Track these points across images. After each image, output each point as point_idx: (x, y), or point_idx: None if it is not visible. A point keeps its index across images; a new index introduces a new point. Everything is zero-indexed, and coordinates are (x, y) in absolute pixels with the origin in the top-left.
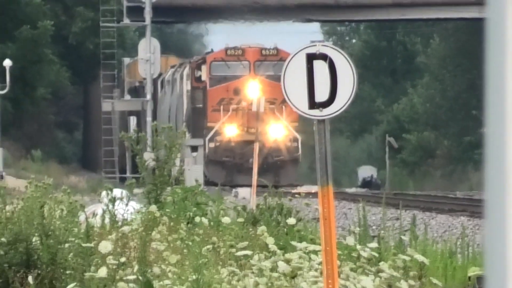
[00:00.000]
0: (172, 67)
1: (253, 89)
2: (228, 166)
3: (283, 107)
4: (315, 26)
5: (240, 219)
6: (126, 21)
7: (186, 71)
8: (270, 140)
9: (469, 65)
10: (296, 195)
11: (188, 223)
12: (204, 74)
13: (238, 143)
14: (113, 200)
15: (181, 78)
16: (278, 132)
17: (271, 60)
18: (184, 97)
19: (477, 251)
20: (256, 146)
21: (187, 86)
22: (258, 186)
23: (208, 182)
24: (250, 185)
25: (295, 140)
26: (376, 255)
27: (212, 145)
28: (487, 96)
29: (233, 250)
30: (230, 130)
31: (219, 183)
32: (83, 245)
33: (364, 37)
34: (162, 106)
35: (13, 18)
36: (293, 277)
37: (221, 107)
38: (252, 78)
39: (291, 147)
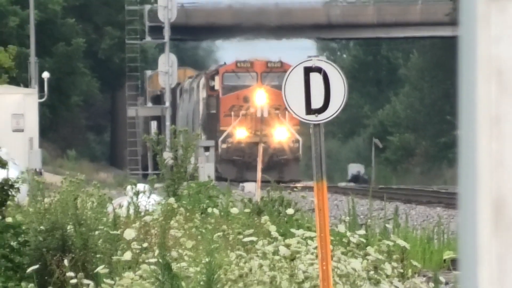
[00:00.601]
0: (190, 77)
1: (260, 97)
2: (238, 164)
3: (286, 112)
4: (311, 43)
5: (247, 210)
6: (148, 39)
7: (202, 81)
8: (275, 141)
9: (443, 77)
10: (295, 189)
11: (201, 213)
12: (217, 83)
13: (247, 144)
14: (136, 193)
15: (198, 87)
16: (282, 134)
17: (276, 72)
18: (200, 103)
19: (451, 237)
20: (260, 147)
21: (202, 94)
22: (262, 181)
23: (219, 178)
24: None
25: (296, 141)
26: (364, 240)
27: (224, 146)
28: (459, 103)
29: (240, 236)
30: (240, 133)
31: (230, 179)
32: (111, 232)
33: (353, 52)
34: (181, 112)
35: (50, 36)
36: (292, 260)
37: (232, 112)
38: (259, 87)
39: (293, 148)
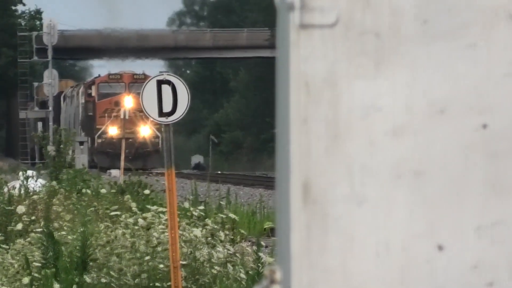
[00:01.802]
0: (71, 87)
1: (128, 102)
2: (110, 155)
3: None
4: (163, 61)
5: (113, 190)
6: (35, 58)
7: (81, 89)
8: (140, 137)
9: (264, 88)
10: (150, 174)
11: (77, 193)
12: (94, 91)
13: (117, 139)
14: (26, 178)
15: (77, 94)
16: (145, 131)
17: (141, 82)
18: (80, 107)
19: (270, 211)
20: (123, 142)
21: (81, 100)
22: (126, 169)
23: (94, 166)
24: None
25: (157, 137)
26: (203, 214)
27: (99, 140)
28: (277, 107)
29: (108, 211)
30: (112, 130)
31: (104, 166)
32: (6, 208)
33: (194, 69)
34: (64, 114)
35: None
36: (148, 229)
37: (106, 114)
38: (127, 94)
39: (154, 142)
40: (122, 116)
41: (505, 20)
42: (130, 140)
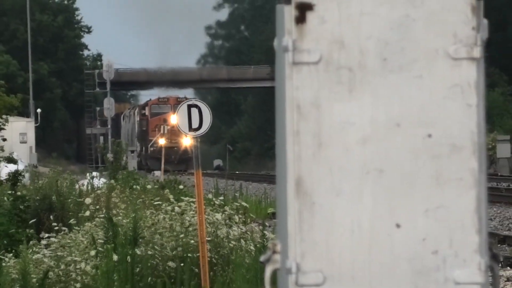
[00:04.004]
0: (128, 108)
1: (173, 119)
2: (160, 160)
3: None
4: (191, 90)
5: (156, 186)
6: (97, 89)
7: (137, 110)
8: (183, 146)
9: (267, 109)
10: (184, 174)
11: (129, 188)
12: (147, 111)
13: (165, 148)
14: (92, 178)
15: (134, 114)
16: (186, 141)
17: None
18: (135, 124)
19: (272, 200)
20: (163, 150)
21: (137, 118)
22: (169, 170)
23: (140, 168)
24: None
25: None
26: (223, 203)
27: (151, 149)
28: (276, 123)
29: (152, 201)
30: (161, 141)
31: (155, 169)
32: (77, 200)
33: (214, 96)
34: (123, 130)
35: (44, 87)
36: (182, 214)
37: (156, 129)
38: (172, 113)
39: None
40: (162, 132)
41: (443, 57)
42: (175, 148)
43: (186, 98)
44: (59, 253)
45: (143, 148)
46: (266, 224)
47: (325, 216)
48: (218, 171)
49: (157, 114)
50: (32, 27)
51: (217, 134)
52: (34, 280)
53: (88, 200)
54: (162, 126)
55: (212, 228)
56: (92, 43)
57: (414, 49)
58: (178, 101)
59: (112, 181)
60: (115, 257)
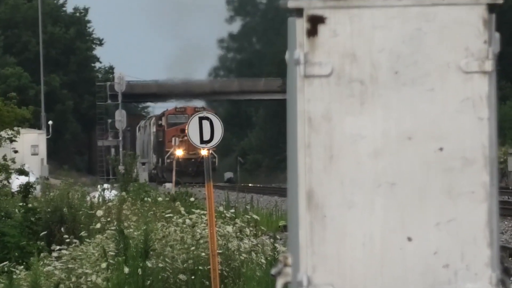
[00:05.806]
0: (143, 119)
1: None
2: (177, 172)
3: None
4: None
5: (167, 198)
6: (109, 101)
7: (153, 121)
8: (200, 157)
9: (278, 122)
10: (195, 186)
11: (141, 200)
12: (163, 121)
13: (183, 159)
14: (103, 190)
15: (150, 125)
16: (204, 152)
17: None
18: (151, 135)
19: (283, 213)
20: (174, 163)
21: (153, 129)
22: (180, 183)
23: (151, 181)
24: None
25: (214, 157)
26: (234, 215)
27: (168, 160)
28: (288, 135)
29: (163, 214)
30: (178, 152)
31: (170, 181)
32: (88, 212)
33: (226, 108)
34: (139, 141)
35: (56, 100)
36: (193, 227)
37: (173, 139)
38: None
39: (212, 161)
40: (173, 143)
41: (455, 71)
42: (193, 160)
43: (204, 108)
44: (70, 266)
45: (159, 159)
46: (277, 237)
47: (336, 229)
48: (229, 183)
49: (174, 125)
50: (44, 39)
51: (228, 146)
52: None
53: (99, 212)
54: (178, 137)
55: (223, 240)
56: (104, 56)
57: (426, 63)
58: (195, 111)
59: (123, 193)
60: (126, 270)
